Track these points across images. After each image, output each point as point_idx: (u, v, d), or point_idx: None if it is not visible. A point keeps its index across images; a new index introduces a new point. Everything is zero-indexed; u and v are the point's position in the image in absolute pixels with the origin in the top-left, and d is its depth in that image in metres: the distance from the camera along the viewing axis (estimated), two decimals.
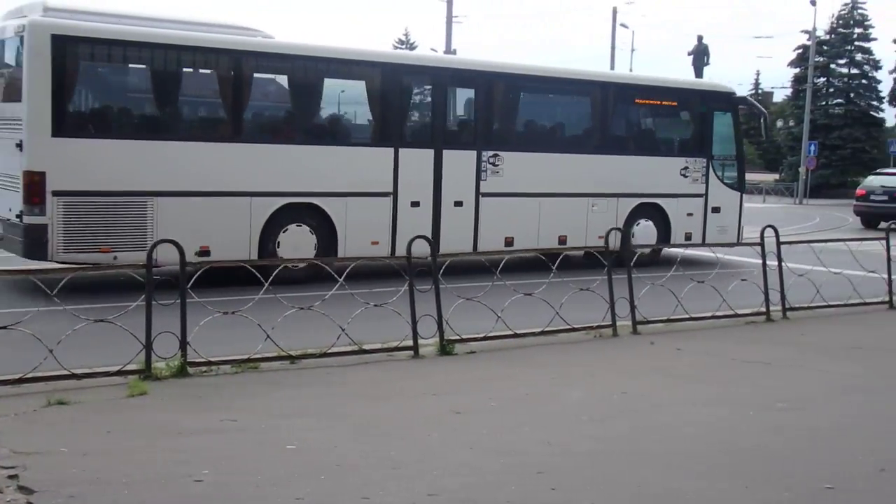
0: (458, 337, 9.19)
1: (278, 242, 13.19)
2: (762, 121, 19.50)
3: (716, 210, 17.36)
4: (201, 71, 13.17)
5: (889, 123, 71.07)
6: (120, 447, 5.99)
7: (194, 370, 7.88)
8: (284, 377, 7.94)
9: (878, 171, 34.57)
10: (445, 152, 14.56)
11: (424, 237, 9.55)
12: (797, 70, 67.56)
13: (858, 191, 32.13)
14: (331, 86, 14.24)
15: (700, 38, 32.84)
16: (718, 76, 51.17)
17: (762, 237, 11.97)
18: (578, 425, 6.72)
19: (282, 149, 13.30)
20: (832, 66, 67.11)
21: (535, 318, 9.99)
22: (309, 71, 13.71)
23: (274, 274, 8.80)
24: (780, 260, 11.84)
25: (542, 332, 9.80)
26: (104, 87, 12.75)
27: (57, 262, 11.63)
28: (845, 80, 68.09)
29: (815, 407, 7.40)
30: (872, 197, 30.48)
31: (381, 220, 14.02)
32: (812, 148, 49.03)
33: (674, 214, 16.93)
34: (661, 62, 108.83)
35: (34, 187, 11.48)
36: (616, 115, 16.80)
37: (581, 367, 8.64)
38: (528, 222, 15.26)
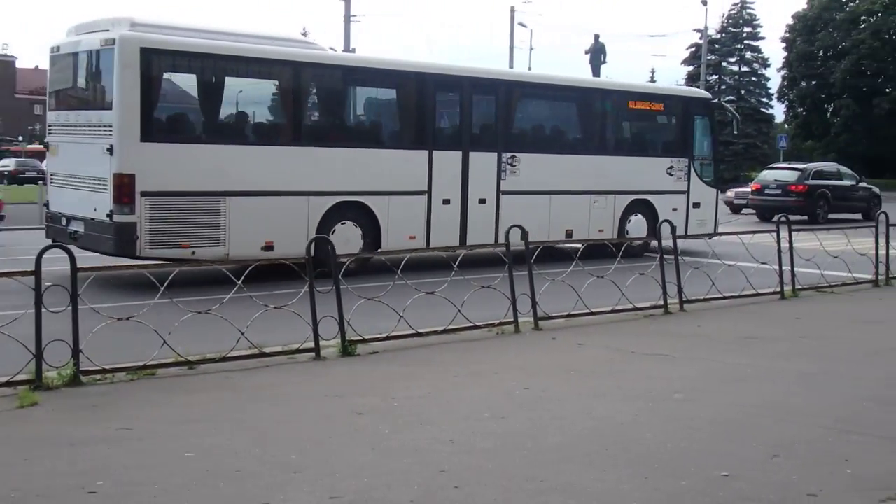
0: (360, 338, 9.14)
1: (332, 234, 14.02)
2: (734, 123, 21.55)
3: (696, 205, 19.20)
4: (267, 81, 14.44)
5: (778, 119, 73.22)
6: (6, 460, 5.79)
7: (88, 379, 7.67)
8: (182, 383, 7.78)
9: (771, 165, 35.65)
10: (471, 154, 16.02)
11: (323, 237, 9.51)
12: (691, 68, 69.11)
13: (753, 185, 33.09)
14: (375, 94, 15.99)
15: (597, 37, 33.30)
16: (615, 74, 51.99)
17: (658, 232, 12.21)
18: (480, 422, 6.73)
19: (334, 152, 14.49)
20: (724, 64, 68.88)
21: (438, 316, 10.00)
22: (358, 80, 15.35)
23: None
24: (676, 254, 12.09)
25: (445, 331, 9.81)
26: (184, 95, 13.86)
27: (144, 258, 12.48)
28: (736, 77, 69.94)
29: (711, 397, 7.56)
30: (767, 191, 31.44)
31: (418, 216, 15.34)
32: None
33: (661, 209, 18.39)
34: (559, 61, 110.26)
35: (124, 188, 12.54)
36: (614, 120, 18.63)
37: (483, 364, 8.67)
38: (541, 217, 16.52)
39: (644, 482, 5.55)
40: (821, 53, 66.73)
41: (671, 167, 18.89)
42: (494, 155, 16.28)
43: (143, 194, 12.61)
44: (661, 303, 11.74)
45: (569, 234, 17.00)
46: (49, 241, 11.29)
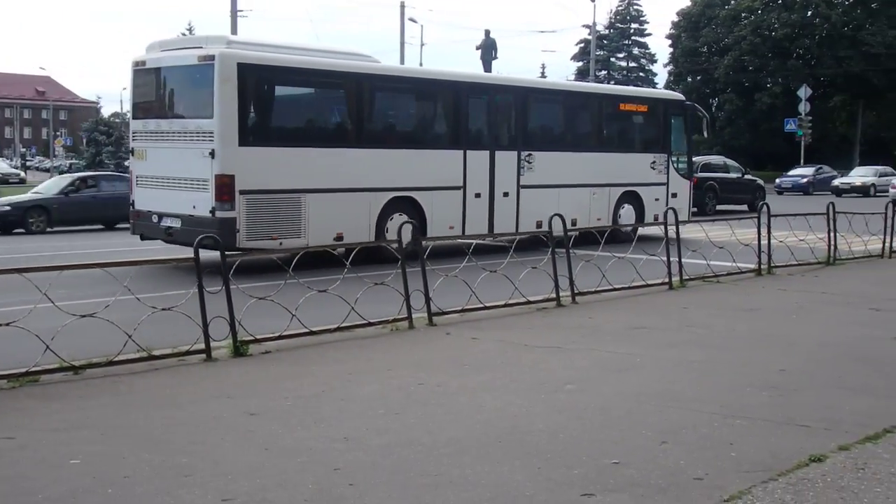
0: (251, 337, 9.05)
1: (387, 228, 16.38)
2: (704, 122, 24.03)
3: (674, 195, 21.82)
4: (338, 91, 16.63)
5: None
6: None
7: None
8: (68, 389, 7.59)
9: None
10: (497, 153, 18.39)
11: (211, 236, 9.44)
12: (580, 63, 70.30)
13: None
14: (422, 101, 18.07)
15: (487, 33, 33.56)
16: (506, 69, 52.63)
17: (550, 225, 12.38)
18: (374, 419, 6.74)
19: (390, 153, 16.76)
20: (612, 59, 70.21)
21: (332, 314, 9.96)
22: (408, 90, 17.73)
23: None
24: (567, 247, 12.28)
25: (338, 329, 9.79)
26: (273, 104, 15.82)
27: (241, 248, 14.26)
28: (624, 72, 71.32)
29: (601, 387, 7.71)
30: None
31: (455, 208, 17.64)
32: None
33: (646, 200, 21.27)
34: (449, 56, 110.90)
35: (225, 188, 14.52)
36: (608, 120, 21.22)
37: (377, 361, 8.67)
38: (552, 208, 17.00)
39: (537, 472, 5.63)
40: (705, 49, 68.56)
41: (654, 162, 21.66)
42: (515, 154, 18.70)
43: (241, 192, 14.66)
44: (554, 296, 11.91)
45: (574, 222, 18.94)
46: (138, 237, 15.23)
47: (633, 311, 11.63)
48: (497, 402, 7.21)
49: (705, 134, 25.08)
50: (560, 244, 12.11)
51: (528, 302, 11.68)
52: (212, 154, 14.64)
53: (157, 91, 16.24)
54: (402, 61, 45.64)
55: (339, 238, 15.63)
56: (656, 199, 21.37)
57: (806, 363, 8.64)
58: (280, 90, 15.97)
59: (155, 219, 15.80)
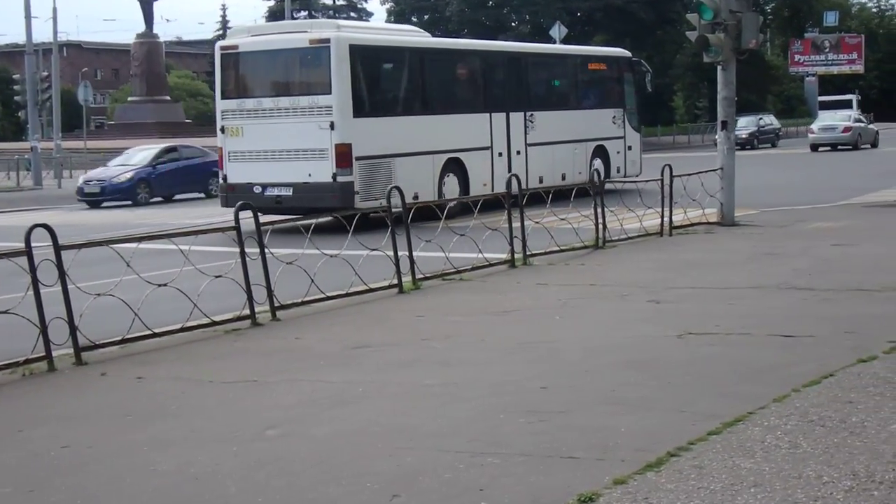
0: None
1: (444, 185, 23.90)
2: (647, 77, 32.41)
3: (629, 148, 30.51)
4: (417, 65, 24.60)
5: None
6: None
7: None
8: None
9: None
10: (511, 114, 26.17)
11: None
12: (272, 3, 70.34)
13: None
14: (464, 69, 26.27)
15: None
16: (176, 12, 52.26)
17: (237, 219, 12.24)
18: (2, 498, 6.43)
19: (445, 118, 24.48)
20: None
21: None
22: (458, 60, 26.18)
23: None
24: (262, 248, 12.15)
25: None
26: (376, 80, 23.68)
27: (356, 209, 19.05)
28: (331, 12, 71.88)
29: (312, 428, 7.68)
30: None
31: (486, 166, 25.19)
32: None
33: (611, 153, 29.68)
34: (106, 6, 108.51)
35: (345, 156, 21.37)
36: (582, 79, 30.43)
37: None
38: (550, 164, 27.00)
39: None
40: None
41: (614, 117, 30.10)
42: (522, 115, 26.53)
43: (357, 159, 21.60)
44: (248, 312, 11.81)
45: (563, 177, 27.17)
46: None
47: (354, 325, 11.73)
48: (174, 461, 7.04)
49: (649, 88, 32.86)
50: (399, 220, 14.34)
51: (214, 323, 11.53)
52: (331, 126, 21.35)
53: (254, 72, 23.22)
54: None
55: (415, 197, 20.56)
56: (618, 153, 29.88)
57: (572, 376, 8.98)
58: (380, 67, 24.00)
59: (257, 189, 22.08)
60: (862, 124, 55.77)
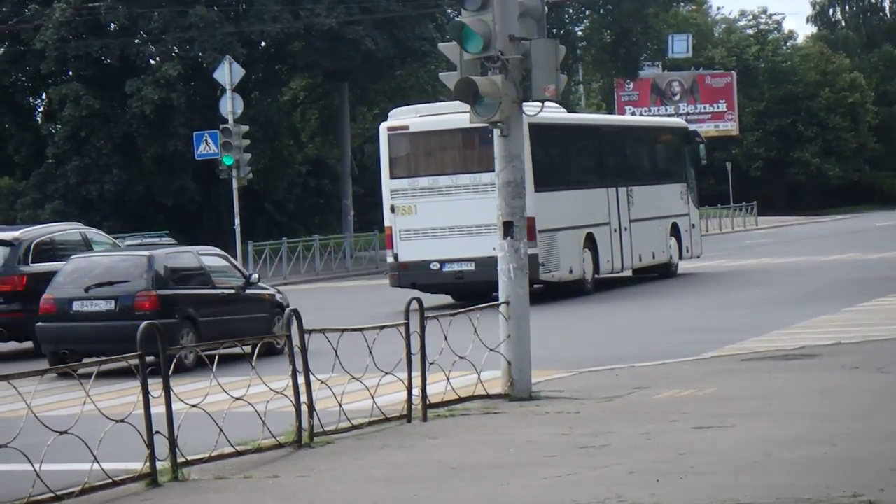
0: None
1: (584, 260, 43.11)
2: (701, 148, 51.23)
3: (693, 227, 49.18)
4: (579, 141, 46.80)
5: None
6: None
7: None
8: None
9: None
10: (619, 189, 44.92)
11: None
12: None
13: None
14: (611, 144, 49.09)
15: None
16: None
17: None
18: None
19: (593, 192, 44.68)
20: None
21: None
22: (612, 135, 49.54)
23: None
24: None
25: None
26: (550, 154, 42.75)
27: (541, 281, 38.97)
28: None
29: None
30: None
31: (607, 243, 43.56)
32: None
33: (682, 231, 47.88)
34: None
35: (530, 229, 29.24)
36: (658, 152, 51.24)
37: None
38: (646, 242, 45.46)
39: None
40: None
41: (681, 192, 47.80)
42: (626, 189, 44.04)
43: (539, 231, 37.08)
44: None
45: (653, 256, 45.98)
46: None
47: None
48: None
49: (703, 160, 49.88)
50: None
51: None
52: None
53: (428, 151, 35.66)
54: None
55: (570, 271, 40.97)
56: (685, 230, 46.93)
57: None
58: (551, 143, 40.68)
59: (434, 266, 35.61)
60: None
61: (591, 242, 40.85)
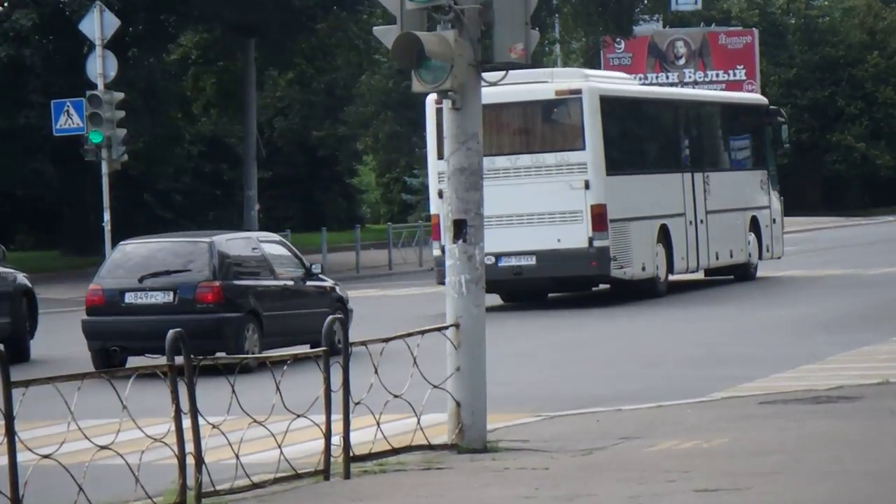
0: None
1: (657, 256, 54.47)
2: (784, 129, 61.85)
3: (774, 221, 59.83)
4: (666, 118, 59.35)
5: None
6: None
7: None
8: None
9: None
10: (695, 175, 55.35)
11: None
12: None
13: None
14: (700, 121, 63.55)
15: None
16: None
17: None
18: None
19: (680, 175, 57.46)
20: None
21: None
22: (707, 111, 64.08)
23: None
24: None
25: None
26: (625, 134, 54.79)
27: (600, 279, 50.61)
28: None
29: None
30: None
31: (682, 236, 54.01)
32: None
33: (762, 226, 58.47)
34: None
35: (601, 217, 47.94)
36: (735, 132, 61.34)
37: None
38: (726, 236, 55.66)
39: None
40: None
41: (761, 180, 58.96)
42: (701, 175, 53.87)
43: (611, 221, 47.77)
44: None
45: (731, 254, 55.36)
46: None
47: None
48: None
49: (786, 143, 54.27)
50: None
51: None
52: (586, 185, 43.21)
53: (484, 127, 27.87)
54: None
55: (644, 267, 50.35)
56: (766, 226, 54.44)
57: None
58: (624, 119, 51.32)
59: (489, 260, 31.74)
60: None
61: (664, 236, 46.75)
